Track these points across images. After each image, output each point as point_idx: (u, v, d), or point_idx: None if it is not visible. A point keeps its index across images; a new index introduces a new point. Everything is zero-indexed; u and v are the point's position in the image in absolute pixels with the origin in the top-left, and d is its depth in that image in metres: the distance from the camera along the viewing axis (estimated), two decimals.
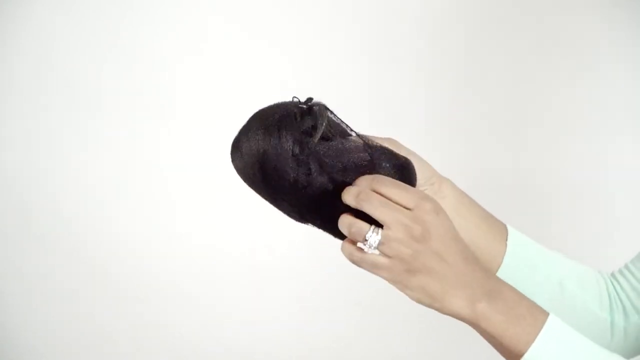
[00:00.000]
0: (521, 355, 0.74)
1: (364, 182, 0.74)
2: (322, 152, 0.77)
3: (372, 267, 0.73)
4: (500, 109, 1.72)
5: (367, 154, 0.78)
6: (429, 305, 0.75)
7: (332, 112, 0.82)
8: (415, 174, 0.80)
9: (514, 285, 0.79)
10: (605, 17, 1.65)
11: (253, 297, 1.80)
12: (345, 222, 0.74)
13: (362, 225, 0.72)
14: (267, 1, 1.72)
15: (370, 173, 0.76)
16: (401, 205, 0.73)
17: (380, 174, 0.76)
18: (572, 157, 1.68)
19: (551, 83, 1.69)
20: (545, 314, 0.75)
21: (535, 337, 0.73)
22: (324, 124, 0.78)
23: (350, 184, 0.76)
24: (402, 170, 0.79)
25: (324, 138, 0.78)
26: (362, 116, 1.73)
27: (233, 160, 0.83)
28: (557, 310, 0.85)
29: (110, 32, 1.73)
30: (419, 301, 0.74)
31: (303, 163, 0.77)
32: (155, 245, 1.78)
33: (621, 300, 0.92)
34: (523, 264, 0.88)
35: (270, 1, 1.72)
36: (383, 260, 0.72)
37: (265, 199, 0.82)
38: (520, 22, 1.69)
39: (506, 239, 0.88)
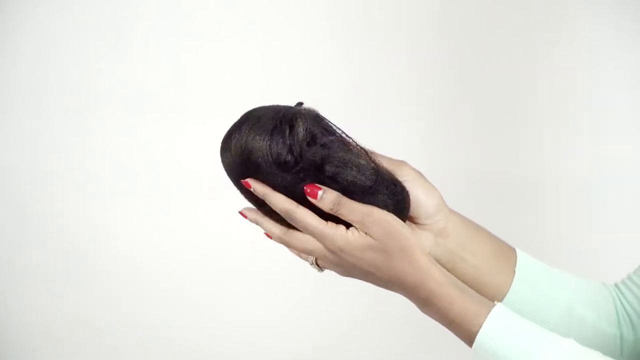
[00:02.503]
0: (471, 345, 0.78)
1: (329, 201, 0.79)
2: (310, 156, 0.78)
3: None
4: (497, 108, 1.72)
5: (363, 174, 0.78)
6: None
7: (324, 119, 0.82)
8: (408, 205, 0.83)
9: (521, 311, 0.84)
10: (605, 15, 1.65)
11: (253, 297, 1.80)
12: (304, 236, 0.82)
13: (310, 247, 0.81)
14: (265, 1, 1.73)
15: (362, 190, 0.79)
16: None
17: (378, 199, 0.80)
18: (573, 156, 1.69)
19: (550, 81, 1.69)
20: (482, 316, 0.77)
21: (472, 340, 0.77)
22: (307, 127, 0.79)
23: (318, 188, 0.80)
24: (397, 204, 0.80)
25: (315, 143, 0.79)
26: (354, 116, 1.73)
27: (222, 157, 0.84)
28: (566, 330, 0.88)
29: (110, 32, 1.74)
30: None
31: (287, 164, 0.78)
32: (156, 245, 1.78)
33: (628, 314, 0.93)
34: (531, 290, 0.88)
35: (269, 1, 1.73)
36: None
37: (246, 197, 0.84)
38: (518, 19, 1.69)
39: (514, 267, 0.88)
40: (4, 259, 1.80)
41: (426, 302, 0.79)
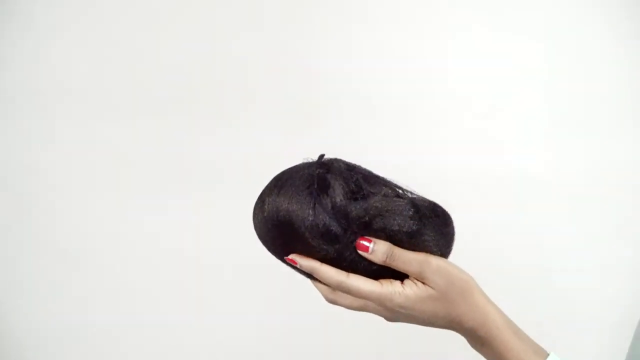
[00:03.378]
0: None
1: (380, 253, 0.77)
2: (355, 218, 0.76)
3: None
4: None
5: (406, 219, 0.77)
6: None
7: (350, 164, 0.80)
8: (453, 235, 0.82)
9: None
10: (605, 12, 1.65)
11: (253, 298, 1.80)
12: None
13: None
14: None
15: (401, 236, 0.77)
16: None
17: (426, 239, 0.78)
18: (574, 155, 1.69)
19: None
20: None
21: None
22: (343, 187, 0.76)
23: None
24: (445, 236, 0.79)
25: (355, 199, 0.76)
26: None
27: (257, 227, 0.81)
28: None
29: (111, 32, 1.73)
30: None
31: (336, 235, 0.75)
32: (157, 245, 1.78)
33: None
34: None
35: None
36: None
37: (277, 256, 0.81)
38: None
39: None
40: (4, 259, 1.80)
41: (483, 343, 0.78)
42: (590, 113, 1.66)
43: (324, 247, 0.76)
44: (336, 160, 0.79)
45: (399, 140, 1.70)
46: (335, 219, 0.76)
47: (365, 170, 0.81)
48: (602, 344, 1.67)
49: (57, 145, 1.77)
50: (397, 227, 0.77)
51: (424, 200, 0.80)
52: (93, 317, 1.80)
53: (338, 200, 0.77)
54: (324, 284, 0.80)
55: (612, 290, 1.66)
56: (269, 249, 0.81)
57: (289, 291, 1.72)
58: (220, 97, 1.73)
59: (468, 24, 1.67)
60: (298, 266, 0.78)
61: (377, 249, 0.76)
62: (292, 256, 0.78)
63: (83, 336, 1.81)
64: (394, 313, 0.78)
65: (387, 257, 0.76)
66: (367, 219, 0.76)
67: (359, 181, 0.78)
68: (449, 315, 0.77)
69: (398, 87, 1.69)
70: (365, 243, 0.76)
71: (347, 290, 0.77)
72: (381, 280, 0.77)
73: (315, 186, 0.77)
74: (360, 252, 0.76)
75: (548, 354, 0.77)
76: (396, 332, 1.77)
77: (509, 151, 1.68)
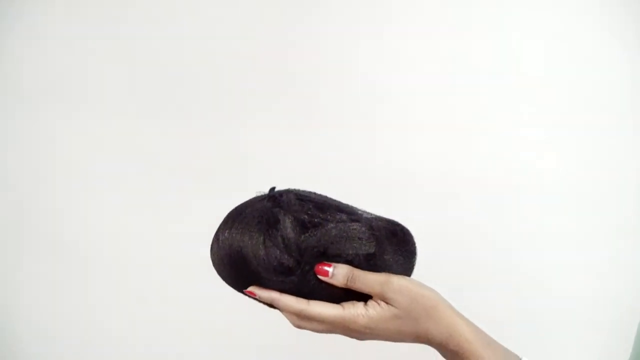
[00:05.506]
0: None
1: (341, 276, 0.78)
2: (308, 248, 0.76)
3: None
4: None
5: (363, 242, 0.77)
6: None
7: (302, 193, 0.80)
8: (414, 252, 0.82)
9: None
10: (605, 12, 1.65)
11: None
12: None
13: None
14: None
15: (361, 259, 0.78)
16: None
17: (386, 260, 0.79)
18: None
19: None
20: None
21: None
22: (292, 220, 0.77)
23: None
24: (407, 254, 0.79)
25: (307, 229, 0.77)
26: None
27: (211, 256, 0.85)
28: None
29: (111, 32, 1.74)
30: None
31: (290, 268, 0.76)
32: (156, 245, 1.78)
33: None
34: None
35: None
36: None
37: (236, 289, 0.83)
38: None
39: None
40: (4, 259, 1.80)
41: (454, 357, 0.79)
42: (590, 112, 1.66)
43: (280, 279, 0.77)
44: (287, 192, 0.80)
45: (398, 140, 1.69)
46: (287, 252, 0.77)
47: (318, 198, 0.82)
48: (602, 345, 1.66)
49: (58, 145, 1.77)
50: (353, 251, 0.78)
51: (380, 220, 0.80)
52: (92, 316, 1.80)
53: (288, 233, 0.77)
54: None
55: (613, 291, 1.66)
56: (228, 283, 0.83)
57: None
58: (221, 97, 1.73)
59: (468, 23, 1.67)
60: (257, 298, 0.79)
61: (337, 273, 0.77)
62: (250, 288, 0.79)
63: (84, 336, 1.81)
64: (360, 334, 0.80)
65: (347, 280, 0.77)
66: (321, 248, 0.77)
67: (311, 210, 0.79)
68: (416, 332, 0.78)
69: (398, 86, 1.69)
70: (326, 268, 0.77)
71: (310, 317, 0.78)
72: (343, 304, 0.78)
73: (265, 222, 0.78)
74: (320, 277, 0.77)
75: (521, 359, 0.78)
76: None
77: (508, 150, 1.68)
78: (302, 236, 0.78)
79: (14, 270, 1.80)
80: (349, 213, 0.79)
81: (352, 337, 0.81)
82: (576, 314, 1.67)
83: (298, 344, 1.80)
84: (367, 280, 0.77)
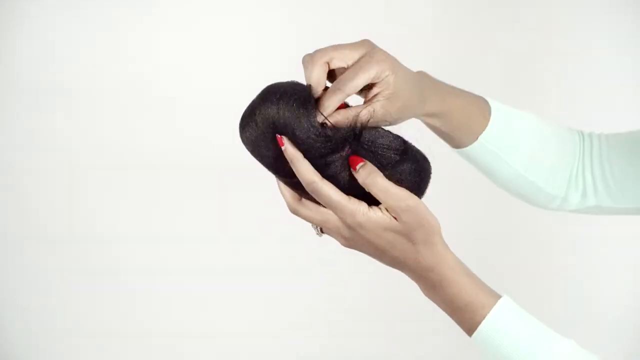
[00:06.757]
0: (470, 335, 0.80)
1: (365, 172, 0.78)
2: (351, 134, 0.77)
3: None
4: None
5: (394, 140, 0.78)
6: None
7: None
8: (429, 178, 0.83)
9: (491, 157, 0.92)
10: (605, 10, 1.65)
11: (253, 298, 1.80)
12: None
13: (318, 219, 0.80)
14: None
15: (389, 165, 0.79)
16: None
17: (405, 167, 0.80)
18: None
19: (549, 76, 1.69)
20: (487, 307, 0.79)
21: (474, 330, 0.79)
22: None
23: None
24: (420, 174, 0.80)
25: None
26: None
27: (244, 132, 0.81)
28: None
29: (111, 32, 1.74)
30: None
31: (327, 136, 0.76)
32: (156, 245, 1.78)
33: (584, 183, 0.99)
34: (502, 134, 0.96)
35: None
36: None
37: (269, 168, 0.81)
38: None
39: (489, 113, 0.95)
40: (4, 259, 1.80)
41: (435, 286, 0.80)
42: (592, 112, 1.66)
43: (314, 144, 0.77)
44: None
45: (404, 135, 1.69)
46: (326, 129, 0.78)
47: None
48: (617, 345, 1.67)
49: (57, 145, 1.77)
50: (387, 142, 0.79)
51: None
52: (92, 316, 1.80)
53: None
54: (296, 188, 0.81)
55: (625, 291, 1.66)
56: (258, 153, 0.81)
57: (289, 291, 1.72)
58: (221, 96, 1.73)
59: (469, 23, 1.67)
60: (283, 148, 0.77)
61: (364, 169, 0.78)
62: (283, 137, 0.78)
63: (82, 336, 1.82)
64: (351, 232, 0.79)
65: (369, 179, 0.77)
66: (357, 131, 0.78)
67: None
68: (406, 252, 0.79)
69: None
70: (357, 160, 0.78)
71: (317, 193, 0.77)
72: (350, 197, 0.78)
73: (309, 94, 0.79)
74: (351, 165, 0.78)
75: (501, 296, 0.79)
76: (396, 332, 1.77)
77: None
78: None
79: (14, 270, 1.80)
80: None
81: (341, 236, 0.81)
82: (594, 314, 1.67)
83: (298, 344, 1.80)
84: (386, 188, 0.77)
